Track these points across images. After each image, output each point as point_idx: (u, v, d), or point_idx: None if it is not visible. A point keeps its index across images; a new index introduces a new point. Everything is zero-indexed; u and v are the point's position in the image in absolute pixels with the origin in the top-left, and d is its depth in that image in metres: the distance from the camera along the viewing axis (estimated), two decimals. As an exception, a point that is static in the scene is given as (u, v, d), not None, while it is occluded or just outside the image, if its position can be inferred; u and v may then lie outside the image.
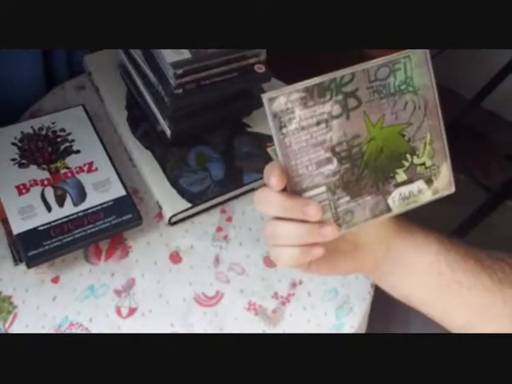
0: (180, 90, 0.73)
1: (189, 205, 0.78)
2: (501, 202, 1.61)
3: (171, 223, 0.79)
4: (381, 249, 0.59)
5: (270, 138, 0.86)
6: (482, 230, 1.60)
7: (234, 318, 0.74)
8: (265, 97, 0.47)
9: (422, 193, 0.54)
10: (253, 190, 0.85)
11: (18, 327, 0.68)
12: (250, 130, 0.88)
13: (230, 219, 0.82)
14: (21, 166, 0.76)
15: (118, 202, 0.75)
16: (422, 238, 0.59)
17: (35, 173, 0.76)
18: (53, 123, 0.80)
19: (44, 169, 0.76)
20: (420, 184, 0.54)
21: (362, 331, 0.80)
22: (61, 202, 0.73)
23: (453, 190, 0.55)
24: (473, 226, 1.63)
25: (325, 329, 0.77)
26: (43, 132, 0.79)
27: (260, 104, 0.83)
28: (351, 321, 0.78)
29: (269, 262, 0.79)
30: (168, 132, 0.78)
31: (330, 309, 0.79)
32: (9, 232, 0.71)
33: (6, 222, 0.71)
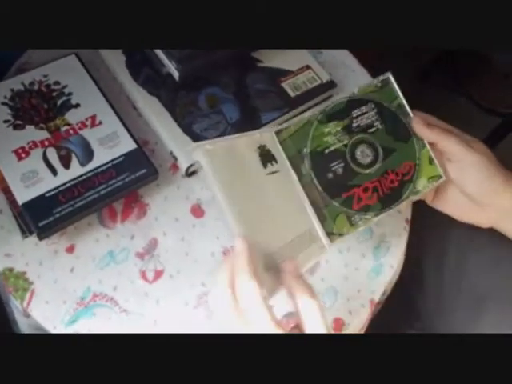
0: (187, 25, 0.65)
1: (206, 152, 0.71)
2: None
3: (188, 174, 0.72)
4: (498, 207, 0.65)
5: (284, 72, 0.80)
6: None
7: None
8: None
9: None
10: (271, 129, 0.78)
11: (37, 305, 0.62)
12: (261, 65, 0.80)
13: (250, 164, 0.76)
14: (16, 127, 0.68)
15: (129, 156, 0.68)
16: None
17: (33, 133, 0.67)
18: (45, 76, 0.72)
19: (42, 128, 0.68)
20: None
21: (399, 271, 0.75)
22: (66, 163, 0.66)
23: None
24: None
25: (363, 272, 0.72)
26: (35, 87, 0.71)
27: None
28: (390, 260, 0.74)
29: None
30: (176, 74, 0.70)
31: (366, 250, 0.74)
32: (12, 202, 0.64)
33: (8, 192, 0.64)
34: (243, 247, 0.51)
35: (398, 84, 0.67)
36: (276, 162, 0.59)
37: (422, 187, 0.66)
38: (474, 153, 0.63)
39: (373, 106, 0.66)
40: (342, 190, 0.63)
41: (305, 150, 0.62)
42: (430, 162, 0.67)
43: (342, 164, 0.63)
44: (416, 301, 0.88)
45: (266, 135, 0.60)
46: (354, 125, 0.64)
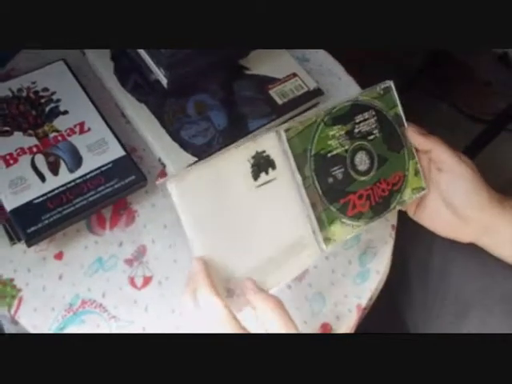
0: (176, 33, 0.65)
1: (194, 159, 0.71)
2: (497, 133, 1.59)
3: (177, 181, 0.72)
4: (480, 223, 0.66)
5: (271, 80, 0.81)
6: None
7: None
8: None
9: None
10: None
11: (25, 312, 0.62)
12: (249, 72, 0.81)
13: (238, 171, 0.76)
14: (3, 134, 0.67)
15: (117, 163, 0.68)
16: None
17: (21, 140, 0.67)
18: (33, 83, 0.72)
19: (30, 135, 0.68)
20: None
21: (385, 277, 0.76)
22: (55, 169, 0.66)
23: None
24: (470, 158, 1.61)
25: (350, 278, 0.72)
26: (23, 94, 0.71)
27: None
28: (376, 266, 0.74)
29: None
30: (164, 81, 0.70)
31: (353, 256, 0.74)
32: (0, 209, 0.64)
33: (-5, 198, 0.64)
34: (200, 268, 0.53)
35: None
36: (274, 169, 0.59)
37: (407, 198, 0.68)
38: (464, 164, 0.65)
39: (373, 113, 0.66)
40: (340, 195, 0.63)
41: (310, 151, 0.61)
42: (416, 173, 0.68)
43: (342, 169, 0.63)
44: (402, 306, 0.89)
45: (267, 138, 0.59)
46: (356, 130, 0.65)
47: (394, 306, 0.89)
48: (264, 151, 0.58)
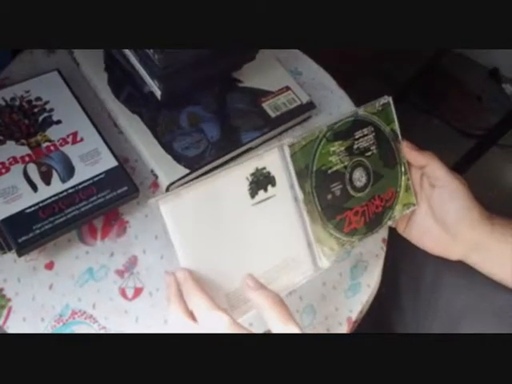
0: (170, 45, 0.66)
1: (187, 171, 0.71)
2: (488, 148, 1.60)
3: (169, 192, 0.72)
4: (469, 241, 0.67)
5: (264, 93, 0.81)
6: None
7: (248, 289, 0.69)
8: None
9: None
10: (250, 149, 0.79)
11: (14, 322, 0.61)
12: (242, 85, 0.81)
13: (230, 183, 0.76)
14: (-4, 142, 0.68)
15: (110, 173, 0.68)
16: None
17: (14, 149, 0.67)
18: (26, 92, 0.72)
19: (23, 144, 0.68)
20: None
21: (376, 290, 0.76)
22: (47, 179, 0.66)
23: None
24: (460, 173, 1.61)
25: (341, 291, 0.73)
26: (17, 103, 0.71)
27: (251, 57, 0.78)
28: (367, 280, 0.75)
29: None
30: (158, 93, 0.70)
31: (344, 269, 0.75)
32: (-9, 218, 0.64)
33: (-13, 207, 0.63)
34: (186, 276, 0.53)
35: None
36: (274, 185, 0.59)
37: (398, 213, 0.68)
38: (457, 181, 0.65)
39: (372, 129, 0.66)
40: (338, 212, 0.64)
41: (311, 166, 0.61)
42: (407, 189, 0.69)
43: (341, 186, 0.64)
44: (392, 319, 0.89)
45: (269, 154, 0.59)
46: (355, 146, 0.65)
47: (385, 319, 0.89)
48: (264, 167, 0.58)
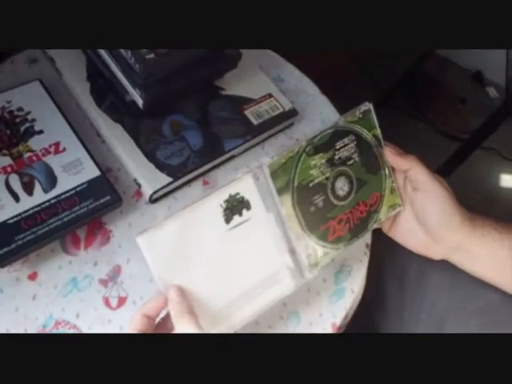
0: (152, 55, 0.66)
1: (170, 179, 0.72)
2: (472, 151, 1.61)
3: (152, 201, 0.72)
4: (451, 242, 0.68)
5: (246, 101, 0.82)
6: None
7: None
8: None
9: None
10: (233, 157, 0.79)
11: (-3, 333, 0.61)
12: (224, 93, 0.82)
13: (214, 191, 0.76)
14: (-22, 153, 0.68)
15: (92, 183, 0.68)
16: (494, 233, 0.68)
17: (-5, 160, 0.67)
18: (8, 102, 0.72)
19: (5, 154, 0.68)
20: None
21: (360, 295, 0.77)
22: (29, 189, 0.66)
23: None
24: (445, 176, 1.62)
25: (325, 297, 0.73)
26: (-2, 113, 0.71)
27: (233, 65, 0.78)
28: (351, 285, 0.75)
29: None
30: (140, 102, 0.71)
31: (328, 275, 0.75)
32: (-27, 229, 0.63)
33: (-32, 218, 0.63)
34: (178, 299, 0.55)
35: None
36: (249, 209, 0.59)
37: (384, 216, 0.69)
38: (440, 184, 0.66)
39: (353, 137, 0.66)
40: (321, 222, 0.64)
41: (292, 182, 0.62)
42: (392, 191, 0.70)
43: (323, 197, 0.64)
44: (378, 321, 0.89)
45: (241, 181, 0.59)
46: (336, 157, 0.65)
47: (370, 323, 0.90)
48: (238, 193, 0.59)
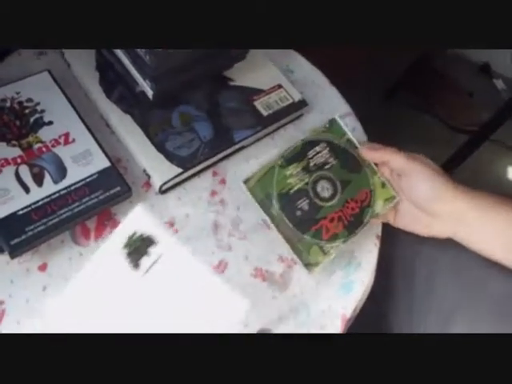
0: (162, 45, 0.65)
1: (179, 170, 0.71)
2: (480, 144, 1.60)
3: (162, 192, 0.72)
4: (449, 215, 0.69)
5: (256, 91, 0.81)
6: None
7: (242, 287, 0.68)
8: None
9: None
10: (243, 148, 0.79)
11: (8, 325, 0.61)
12: (233, 83, 0.81)
13: (223, 181, 0.76)
14: (-13, 144, 0.67)
15: (102, 174, 0.68)
16: (490, 201, 0.69)
17: (5, 151, 0.67)
18: (17, 93, 0.71)
19: (14, 145, 0.67)
20: None
21: (370, 286, 0.76)
22: (39, 180, 0.66)
23: None
24: (452, 168, 1.62)
25: (335, 289, 0.73)
26: (7, 104, 0.70)
27: (242, 56, 0.78)
28: (361, 277, 0.75)
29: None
30: (150, 92, 0.70)
31: (338, 267, 0.75)
32: (-17, 220, 0.63)
33: (-21, 210, 0.63)
34: None
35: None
36: (155, 244, 0.56)
37: (380, 209, 0.72)
38: (418, 164, 0.69)
39: (325, 145, 0.72)
40: (311, 223, 0.69)
41: (272, 193, 0.68)
42: (383, 186, 0.73)
43: (307, 201, 0.69)
44: (387, 314, 0.89)
45: (131, 217, 0.56)
46: (311, 164, 0.71)
47: (380, 313, 0.90)
48: (135, 233, 0.56)
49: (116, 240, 0.54)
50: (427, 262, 0.86)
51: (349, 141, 0.73)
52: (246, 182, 0.68)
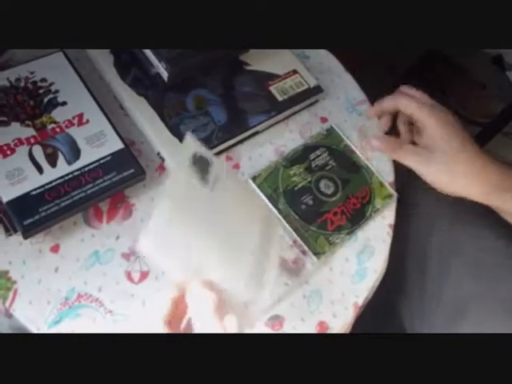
0: (178, 26, 0.65)
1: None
2: (492, 136, 1.59)
3: (175, 176, 0.71)
4: (472, 173, 0.72)
5: (271, 76, 0.81)
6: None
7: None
8: None
9: None
10: (257, 133, 0.78)
11: (20, 305, 0.61)
12: (249, 68, 0.80)
13: (237, 166, 0.75)
14: (1, 124, 0.66)
15: (116, 156, 0.67)
16: None
17: (19, 131, 0.66)
18: (31, 73, 0.71)
19: (28, 125, 0.67)
20: None
21: (382, 275, 0.76)
22: (52, 161, 0.65)
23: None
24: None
25: (348, 276, 0.72)
26: (21, 84, 0.70)
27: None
28: (374, 265, 0.74)
29: (283, 210, 0.74)
30: (165, 75, 0.70)
31: (351, 254, 0.74)
32: (-3, 200, 0.63)
33: (-8, 189, 0.63)
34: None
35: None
36: (211, 165, 0.56)
37: (380, 206, 0.79)
38: (434, 113, 0.74)
39: (324, 149, 0.80)
40: (316, 216, 0.74)
41: (278, 189, 0.74)
42: (381, 185, 0.80)
43: (311, 196, 0.76)
44: (398, 305, 0.89)
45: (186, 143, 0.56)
46: (313, 165, 0.78)
47: (391, 305, 0.89)
48: (195, 153, 0.55)
49: (183, 159, 0.53)
50: (441, 250, 0.85)
51: (346, 146, 0.82)
52: (253, 179, 0.73)
